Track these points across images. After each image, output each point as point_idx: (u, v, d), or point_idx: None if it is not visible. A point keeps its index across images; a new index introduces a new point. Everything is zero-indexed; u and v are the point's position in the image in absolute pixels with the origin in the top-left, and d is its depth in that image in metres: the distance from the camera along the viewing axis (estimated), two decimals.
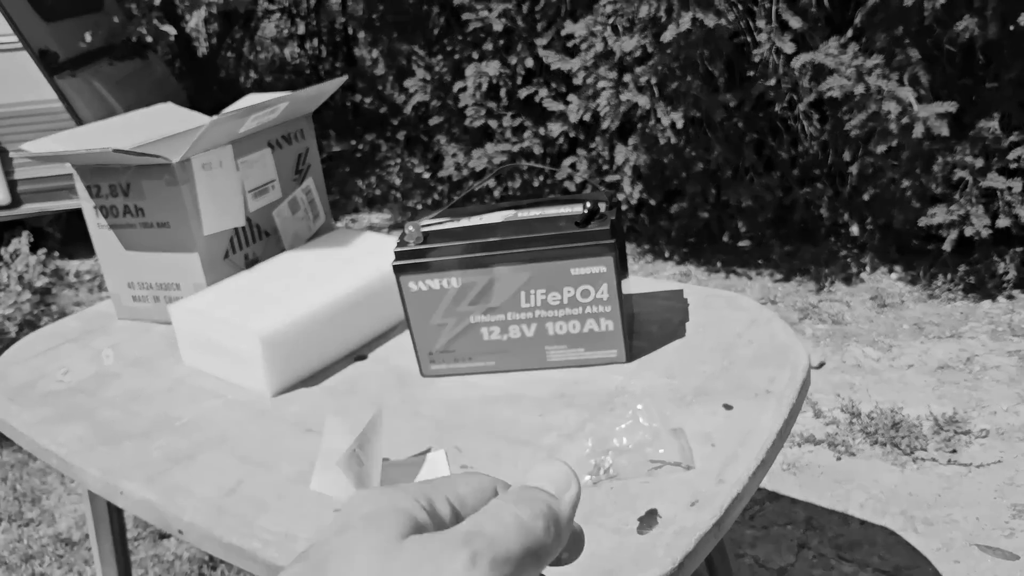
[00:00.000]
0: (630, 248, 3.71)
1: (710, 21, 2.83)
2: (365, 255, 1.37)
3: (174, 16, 5.30)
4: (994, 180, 2.77)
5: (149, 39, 3.99)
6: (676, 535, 0.82)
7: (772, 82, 3.00)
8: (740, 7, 3.01)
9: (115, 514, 1.50)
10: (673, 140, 3.18)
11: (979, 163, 2.79)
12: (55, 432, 1.16)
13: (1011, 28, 2.61)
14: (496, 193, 3.94)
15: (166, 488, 1.01)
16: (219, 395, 1.20)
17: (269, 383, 1.17)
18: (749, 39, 3.08)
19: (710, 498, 0.87)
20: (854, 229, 3.36)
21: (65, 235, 4.38)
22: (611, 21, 3.15)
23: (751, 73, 3.13)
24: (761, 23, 2.97)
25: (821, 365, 2.69)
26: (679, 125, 3.10)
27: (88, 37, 3.92)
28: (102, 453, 1.10)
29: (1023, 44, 2.75)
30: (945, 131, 2.66)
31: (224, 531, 0.92)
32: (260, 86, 6.97)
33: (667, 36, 2.87)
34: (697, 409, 1.03)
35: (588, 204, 1.09)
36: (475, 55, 3.70)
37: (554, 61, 3.42)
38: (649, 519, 0.84)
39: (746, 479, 0.90)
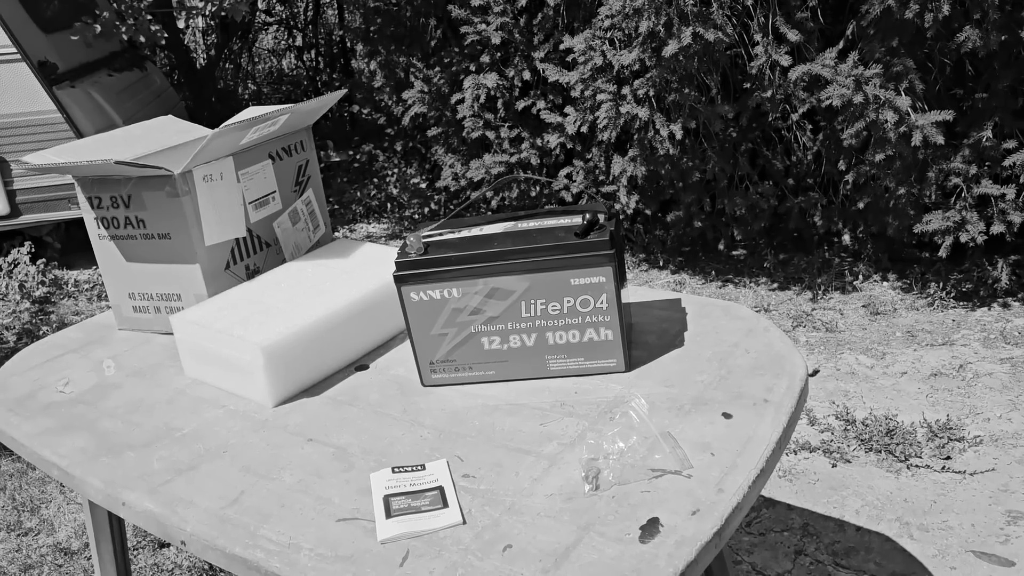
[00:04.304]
0: (625, 257, 3.72)
1: (710, 36, 2.86)
2: (366, 266, 1.38)
3: (172, 26, 5.32)
4: (988, 187, 2.80)
5: (141, 39, 3.99)
6: (678, 545, 0.83)
7: (768, 94, 3.02)
8: (735, 21, 3.03)
9: (115, 523, 1.50)
10: (671, 151, 3.20)
11: (973, 170, 2.81)
12: (56, 443, 1.17)
13: (1003, 39, 2.64)
14: (493, 203, 3.95)
15: (168, 499, 1.01)
16: (220, 405, 1.21)
17: (270, 393, 1.18)
18: (744, 51, 3.10)
19: (710, 507, 0.88)
20: (846, 238, 3.38)
21: (64, 245, 4.38)
22: (609, 35, 3.17)
23: (747, 85, 3.15)
24: (757, 36, 2.99)
25: (815, 372, 2.70)
26: (678, 136, 3.12)
27: (74, 24, 3.90)
28: (104, 464, 1.10)
29: (1015, 55, 2.78)
30: (941, 139, 2.69)
31: (227, 542, 0.93)
32: (258, 97, 6.99)
33: (668, 51, 2.89)
34: (696, 418, 1.04)
35: (587, 215, 1.10)
36: (472, 67, 3.72)
37: (552, 73, 3.44)
38: (651, 528, 0.85)
39: (746, 488, 0.91)
